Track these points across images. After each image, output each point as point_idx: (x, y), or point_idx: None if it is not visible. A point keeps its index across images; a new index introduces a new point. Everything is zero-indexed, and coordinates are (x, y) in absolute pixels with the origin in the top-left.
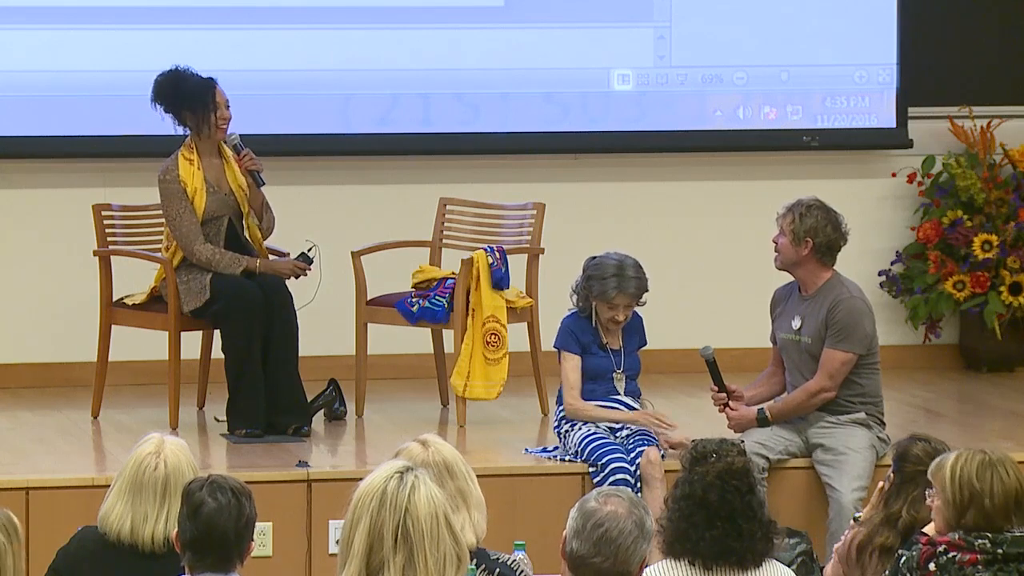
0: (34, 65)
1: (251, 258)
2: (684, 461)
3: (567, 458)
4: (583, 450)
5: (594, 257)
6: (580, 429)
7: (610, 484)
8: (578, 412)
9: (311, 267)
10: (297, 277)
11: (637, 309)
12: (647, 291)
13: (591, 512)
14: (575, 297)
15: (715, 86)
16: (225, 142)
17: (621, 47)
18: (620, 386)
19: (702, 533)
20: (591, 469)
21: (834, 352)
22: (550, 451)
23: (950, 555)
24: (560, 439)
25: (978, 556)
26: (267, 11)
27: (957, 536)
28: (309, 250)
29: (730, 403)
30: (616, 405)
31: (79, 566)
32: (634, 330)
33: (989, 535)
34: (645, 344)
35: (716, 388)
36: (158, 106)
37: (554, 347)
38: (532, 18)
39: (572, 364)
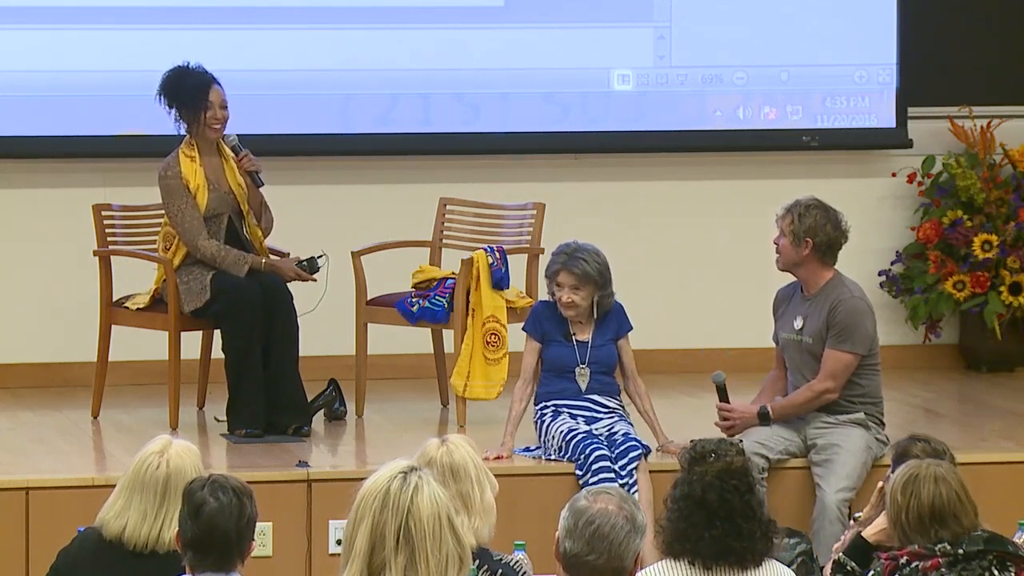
0: (34, 65)
1: (256, 257)
2: (683, 461)
3: (551, 457)
4: (566, 444)
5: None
6: (558, 424)
7: (595, 478)
8: (511, 402)
9: (315, 276)
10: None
11: (617, 298)
12: (599, 283)
13: (582, 510)
14: None
15: (715, 86)
16: (224, 141)
17: (621, 47)
18: (583, 382)
19: (701, 533)
20: (576, 460)
21: (836, 352)
22: (532, 450)
23: (913, 565)
24: (536, 429)
25: (940, 560)
26: (267, 11)
27: (916, 545)
28: (319, 256)
29: (730, 409)
30: (590, 405)
31: (79, 566)
32: (610, 319)
33: (947, 540)
34: (629, 329)
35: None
36: (161, 100)
37: None
38: (532, 18)
39: (527, 348)
